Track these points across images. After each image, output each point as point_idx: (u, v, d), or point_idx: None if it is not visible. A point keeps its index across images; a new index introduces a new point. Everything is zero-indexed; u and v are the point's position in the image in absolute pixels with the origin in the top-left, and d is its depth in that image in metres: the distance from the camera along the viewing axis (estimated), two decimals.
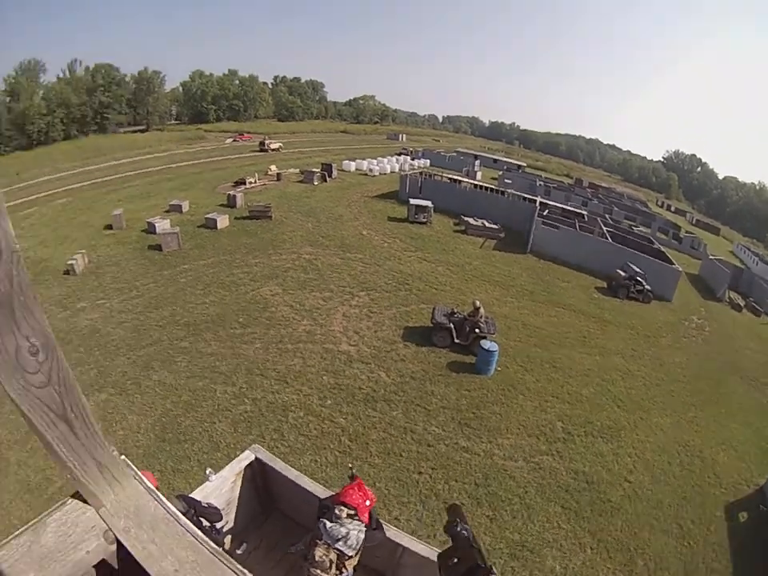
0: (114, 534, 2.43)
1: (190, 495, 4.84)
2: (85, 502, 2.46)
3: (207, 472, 5.24)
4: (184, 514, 4.14)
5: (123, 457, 2.78)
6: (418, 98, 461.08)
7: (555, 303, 24.03)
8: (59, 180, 38.75)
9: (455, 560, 3.32)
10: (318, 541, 3.84)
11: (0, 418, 11.50)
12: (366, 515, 4.08)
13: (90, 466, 2.34)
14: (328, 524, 3.89)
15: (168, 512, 2.69)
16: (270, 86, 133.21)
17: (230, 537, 5.65)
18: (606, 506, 11.96)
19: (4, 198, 1.55)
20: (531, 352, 18.26)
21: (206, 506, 4.74)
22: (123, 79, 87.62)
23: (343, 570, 3.89)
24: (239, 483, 5.59)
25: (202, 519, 4.63)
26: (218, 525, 4.95)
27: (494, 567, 3.12)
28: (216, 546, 2.47)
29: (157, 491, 2.80)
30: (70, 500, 2.46)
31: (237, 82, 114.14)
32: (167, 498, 4.22)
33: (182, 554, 2.43)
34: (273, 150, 63.95)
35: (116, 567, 2.51)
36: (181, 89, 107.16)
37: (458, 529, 3.44)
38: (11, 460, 10.62)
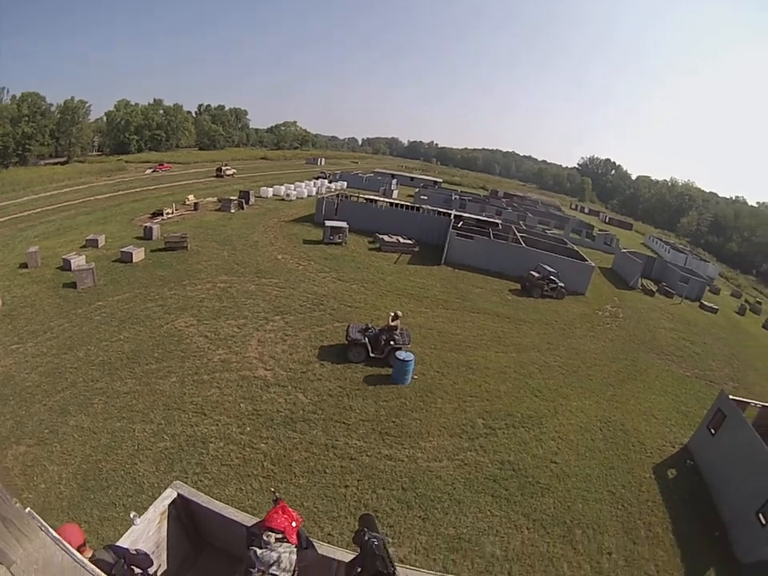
0: None
1: (117, 544, 4.81)
2: None
3: (131, 516, 5.15)
4: (114, 565, 4.43)
5: (29, 509, 2.93)
6: (339, 122, 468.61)
7: (469, 309, 24.96)
8: None
9: (359, 569, 3.52)
10: (251, 570, 3.89)
11: None
12: (295, 536, 4.17)
13: None
14: (258, 551, 3.96)
15: (75, 560, 2.79)
16: (194, 114, 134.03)
17: None
18: (535, 487, 12.57)
19: None
20: (447, 357, 18.84)
21: (135, 552, 4.76)
22: (48, 109, 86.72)
23: None
24: (165, 523, 5.54)
25: (133, 567, 4.66)
26: (150, 570, 4.94)
27: (396, 572, 3.31)
28: None
29: (63, 541, 2.88)
30: None
31: (161, 111, 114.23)
32: (96, 551, 4.54)
33: None
34: (228, 175, 68.90)
35: None
36: (105, 119, 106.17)
37: (366, 538, 3.63)
38: None
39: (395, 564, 3.50)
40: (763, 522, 11.35)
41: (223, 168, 70.33)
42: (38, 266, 24.03)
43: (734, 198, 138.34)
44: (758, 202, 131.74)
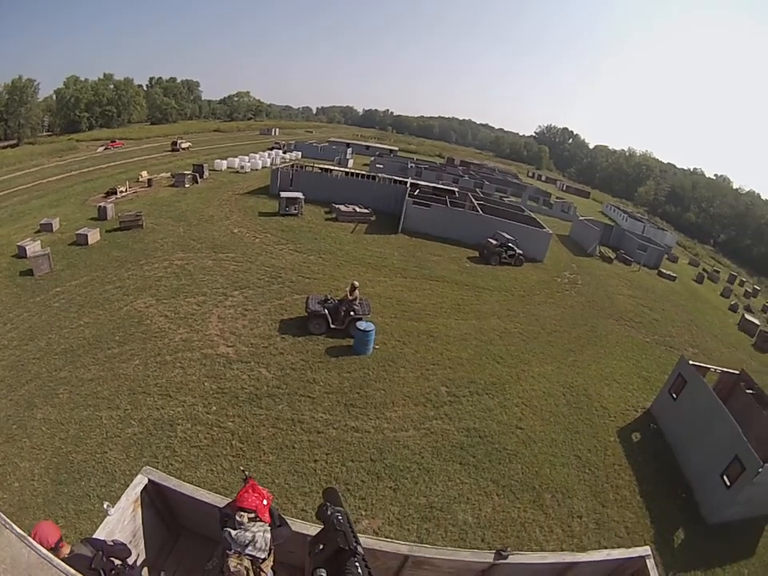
0: None
1: (94, 537, 4.76)
2: None
3: (105, 506, 5.07)
4: (92, 559, 4.39)
5: None
6: (293, 91, 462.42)
7: (428, 277, 25.23)
8: None
9: (321, 546, 3.45)
10: (228, 551, 3.88)
11: None
12: (267, 514, 4.15)
13: None
14: (232, 532, 3.94)
15: (41, 555, 2.77)
16: (145, 88, 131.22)
17: (146, 569, 5.62)
18: (502, 454, 12.89)
19: None
20: (407, 326, 19.02)
21: (112, 543, 4.72)
22: None
23: (261, 573, 3.97)
24: (139, 511, 5.50)
25: (112, 559, 4.61)
26: (129, 560, 4.91)
27: (359, 548, 3.24)
28: None
29: (27, 537, 2.83)
30: None
31: (112, 86, 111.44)
32: (73, 545, 4.52)
33: None
34: (184, 149, 68.81)
35: None
36: (54, 97, 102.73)
37: (328, 513, 3.55)
38: None
39: (358, 538, 3.45)
40: (727, 483, 11.83)
41: (178, 141, 70.05)
42: None
43: (692, 170, 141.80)
44: (715, 174, 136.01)
